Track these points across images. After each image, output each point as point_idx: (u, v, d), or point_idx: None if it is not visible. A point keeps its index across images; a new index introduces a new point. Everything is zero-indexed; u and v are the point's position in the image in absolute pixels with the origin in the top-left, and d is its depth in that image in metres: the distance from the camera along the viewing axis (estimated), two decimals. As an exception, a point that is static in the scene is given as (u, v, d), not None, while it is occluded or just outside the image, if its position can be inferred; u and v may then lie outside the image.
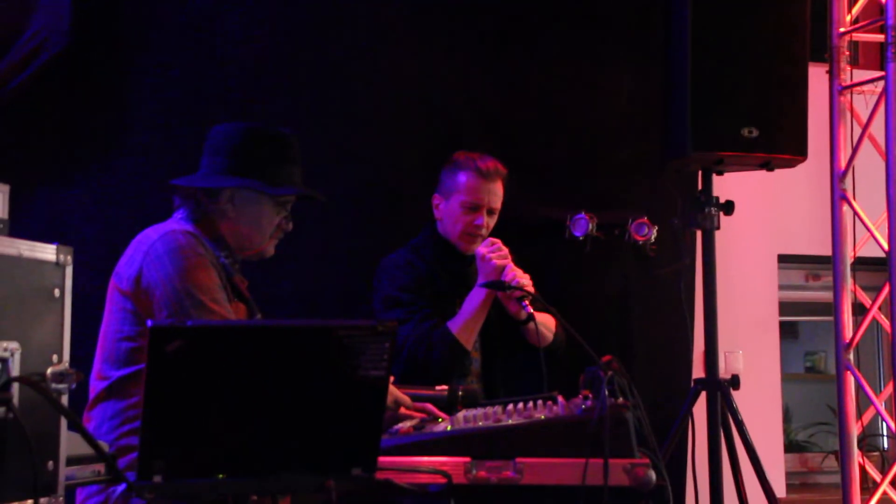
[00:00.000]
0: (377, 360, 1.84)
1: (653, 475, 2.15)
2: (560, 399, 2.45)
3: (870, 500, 3.81)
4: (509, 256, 3.24)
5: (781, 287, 4.79)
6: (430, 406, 2.69)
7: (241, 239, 2.69)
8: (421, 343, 3.21)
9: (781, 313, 4.85)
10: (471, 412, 2.47)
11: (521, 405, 2.41)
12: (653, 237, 4.01)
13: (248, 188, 2.67)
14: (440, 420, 2.55)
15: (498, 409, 2.42)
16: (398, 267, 3.39)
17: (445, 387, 2.77)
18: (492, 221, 3.41)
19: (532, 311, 3.11)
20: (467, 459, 2.19)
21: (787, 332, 6.17)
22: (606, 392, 2.23)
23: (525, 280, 3.19)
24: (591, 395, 2.29)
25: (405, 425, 2.48)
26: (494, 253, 3.22)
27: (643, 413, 2.30)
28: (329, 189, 3.69)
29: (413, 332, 3.23)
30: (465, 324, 3.23)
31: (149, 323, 1.72)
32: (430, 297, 3.36)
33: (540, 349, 3.29)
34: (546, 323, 3.35)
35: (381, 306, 3.35)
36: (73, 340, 2.80)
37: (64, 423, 1.80)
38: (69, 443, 1.86)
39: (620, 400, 2.24)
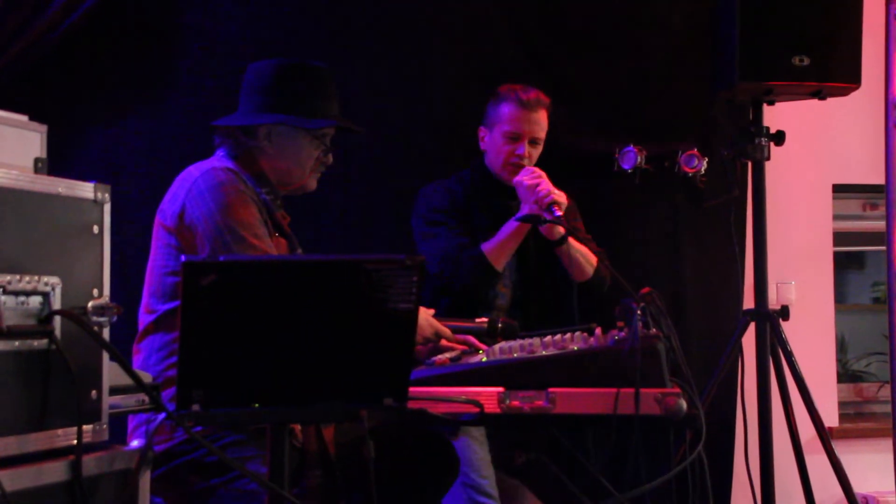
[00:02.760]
0: (406, 293, 1.86)
1: (684, 404, 2.17)
2: (597, 331, 2.46)
3: (921, 428, 3.78)
4: (544, 176, 3.26)
5: (839, 217, 4.70)
6: (470, 338, 2.72)
7: (282, 174, 2.72)
8: (449, 259, 3.28)
9: (841, 243, 4.77)
10: (507, 344, 2.49)
11: (557, 336, 2.43)
12: (703, 169, 3.97)
13: (284, 123, 2.69)
14: (479, 351, 2.58)
15: (535, 340, 2.43)
16: (435, 191, 3.48)
17: (485, 319, 2.80)
18: (535, 152, 3.45)
19: (561, 214, 3.12)
20: (501, 389, 2.23)
21: (853, 262, 6.04)
22: (639, 323, 2.24)
23: (559, 196, 3.19)
24: (624, 327, 2.30)
25: (442, 357, 2.52)
26: (528, 176, 3.26)
27: (677, 343, 2.31)
28: (376, 126, 3.73)
29: (443, 249, 3.29)
30: (498, 244, 3.28)
31: (182, 258, 1.77)
32: (464, 223, 3.41)
33: (575, 282, 3.34)
34: (586, 256, 3.36)
35: (416, 224, 3.43)
36: (125, 275, 2.88)
37: (106, 354, 1.87)
38: (117, 373, 1.93)
39: (653, 331, 2.25)
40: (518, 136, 3.40)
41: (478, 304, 3.33)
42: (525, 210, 3.27)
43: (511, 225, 3.30)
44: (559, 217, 3.11)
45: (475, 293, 3.33)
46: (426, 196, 3.47)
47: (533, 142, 3.43)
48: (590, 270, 3.39)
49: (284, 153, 2.72)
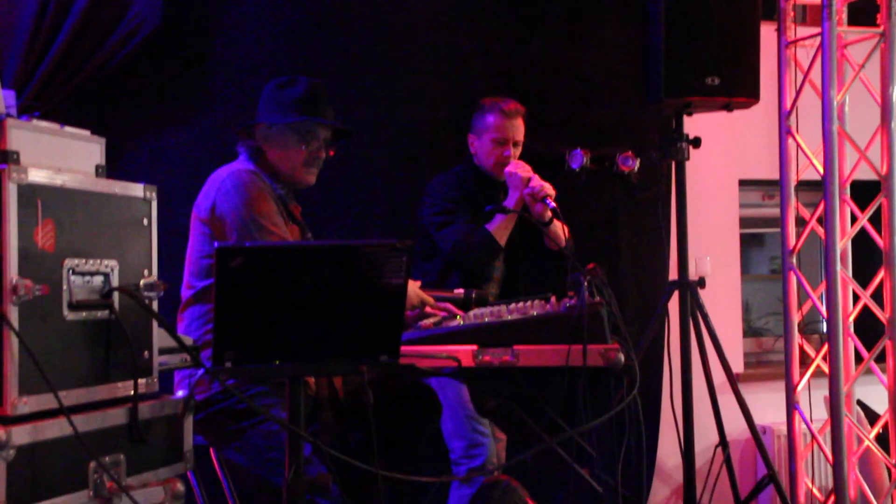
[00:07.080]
0: (397, 271, 1.87)
1: (622, 357, 2.18)
2: (552, 299, 2.47)
3: (805, 371, 3.81)
4: (531, 170, 3.30)
5: (743, 205, 4.73)
6: (449, 305, 2.72)
7: (281, 170, 2.66)
8: (463, 241, 3.28)
9: (746, 226, 4.80)
10: (480, 310, 2.49)
11: (520, 304, 2.43)
12: (636, 168, 3.93)
13: (267, 124, 2.66)
14: (457, 317, 2.58)
15: (502, 307, 2.43)
16: (445, 184, 3.44)
17: (462, 290, 2.80)
18: (517, 151, 3.46)
19: (556, 205, 3.15)
20: (475, 347, 2.23)
21: (755, 241, 6.05)
22: (586, 292, 2.24)
23: (548, 188, 3.23)
24: (574, 295, 2.30)
25: (427, 322, 2.51)
26: (520, 169, 3.28)
27: (616, 309, 2.31)
28: (372, 132, 3.72)
29: (457, 232, 3.30)
30: (500, 225, 3.29)
31: (215, 244, 1.77)
32: (470, 209, 3.40)
33: (560, 248, 3.36)
34: (561, 231, 3.39)
35: (429, 212, 3.39)
36: (169, 259, 2.86)
37: (155, 321, 1.87)
38: (165, 337, 1.93)
39: (597, 298, 2.26)
40: (504, 141, 3.41)
41: (480, 276, 3.36)
42: (515, 196, 3.27)
43: (507, 207, 3.32)
44: (555, 207, 3.13)
45: (484, 266, 3.34)
46: (437, 188, 3.43)
47: (515, 144, 3.44)
48: (563, 242, 3.39)
49: (276, 149, 2.66)
